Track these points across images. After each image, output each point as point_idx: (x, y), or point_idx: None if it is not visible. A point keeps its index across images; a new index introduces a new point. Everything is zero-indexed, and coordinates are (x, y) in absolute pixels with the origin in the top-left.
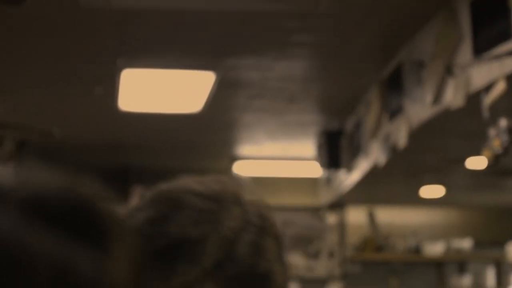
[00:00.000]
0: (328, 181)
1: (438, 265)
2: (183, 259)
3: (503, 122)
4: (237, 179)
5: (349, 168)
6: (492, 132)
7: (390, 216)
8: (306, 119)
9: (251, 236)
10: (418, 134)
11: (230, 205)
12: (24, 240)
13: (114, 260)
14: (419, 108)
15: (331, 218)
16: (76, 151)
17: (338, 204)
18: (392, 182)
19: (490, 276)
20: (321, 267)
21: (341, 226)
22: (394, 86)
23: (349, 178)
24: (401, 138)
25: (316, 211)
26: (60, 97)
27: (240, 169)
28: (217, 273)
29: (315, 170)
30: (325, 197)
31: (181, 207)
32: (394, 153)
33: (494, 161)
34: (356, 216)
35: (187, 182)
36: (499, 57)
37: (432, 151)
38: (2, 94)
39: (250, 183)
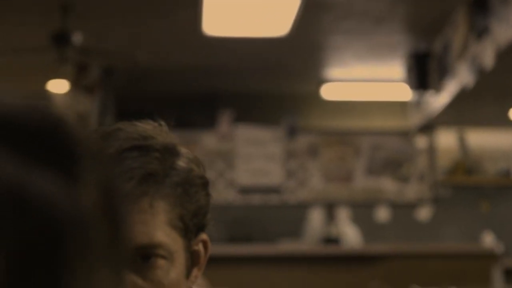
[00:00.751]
0: (417, 103)
1: None
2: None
3: None
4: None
5: (438, 90)
6: None
7: (481, 139)
8: (394, 40)
9: (187, 158)
10: (505, 55)
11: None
12: None
13: (80, 185)
14: (506, 28)
15: (421, 142)
16: (162, 78)
17: (428, 127)
18: (481, 104)
19: None
20: (411, 191)
21: (431, 150)
22: (481, 6)
23: (438, 100)
24: (488, 59)
25: (405, 134)
26: (144, 23)
27: (328, 92)
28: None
29: (404, 92)
30: (414, 120)
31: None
32: (481, 74)
33: None
34: (446, 139)
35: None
36: None
37: None
38: (87, 21)
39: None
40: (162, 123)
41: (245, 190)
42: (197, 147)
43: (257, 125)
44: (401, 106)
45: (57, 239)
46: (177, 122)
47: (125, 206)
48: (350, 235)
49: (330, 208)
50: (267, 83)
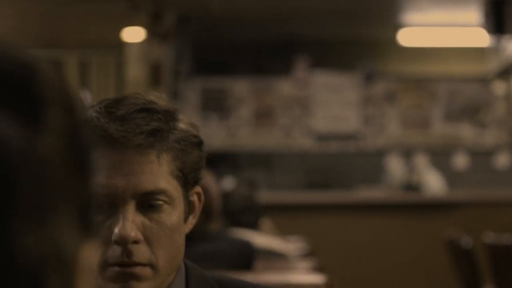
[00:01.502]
0: (495, 49)
1: None
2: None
3: None
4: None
5: None
6: None
7: None
8: None
9: (185, 121)
10: None
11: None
12: None
13: (42, 130)
14: None
15: (499, 87)
16: (238, 25)
17: (506, 72)
18: None
19: None
20: (489, 137)
21: (509, 95)
22: None
23: None
24: None
25: (483, 80)
26: None
27: (405, 37)
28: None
29: (482, 38)
30: (492, 65)
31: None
32: None
33: None
34: None
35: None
36: None
37: None
38: None
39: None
40: (163, 94)
41: (322, 137)
42: (273, 94)
43: (333, 71)
44: (478, 52)
45: (8, 181)
46: (253, 69)
47: (93, 156)
48: (432, 182)
49: (408, 155)
50: (344, 28)
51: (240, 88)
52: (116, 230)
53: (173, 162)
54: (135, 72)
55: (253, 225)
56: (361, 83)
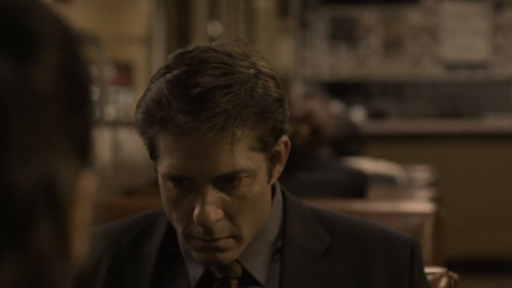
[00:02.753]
0: None
1: None
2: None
3: None
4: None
5: None
6: None
7: None
8: None
9: (265, 75)
10: None
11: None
12: None
13: (35, 66)
14: None
15: None
16: None
17: None
18: None
19: None
20: None
21: None
22: None
23: None
24: None
25: None
26: None
27: None
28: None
29: None
30: None
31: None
32: None
33: None
34: None
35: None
36: None
37: None
38: None
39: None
40: (243, 37)
41: (451, 66)
42: (402, 23)
43: None
44: None
45: (1, 114)
46: None
47: (90, 92)
48: None
49: None
50: None
51: (369, 17)
52: (196, 212)
53: (251, 136)
54: (264, 2)
55: (358, 154)
56: (490, 12)
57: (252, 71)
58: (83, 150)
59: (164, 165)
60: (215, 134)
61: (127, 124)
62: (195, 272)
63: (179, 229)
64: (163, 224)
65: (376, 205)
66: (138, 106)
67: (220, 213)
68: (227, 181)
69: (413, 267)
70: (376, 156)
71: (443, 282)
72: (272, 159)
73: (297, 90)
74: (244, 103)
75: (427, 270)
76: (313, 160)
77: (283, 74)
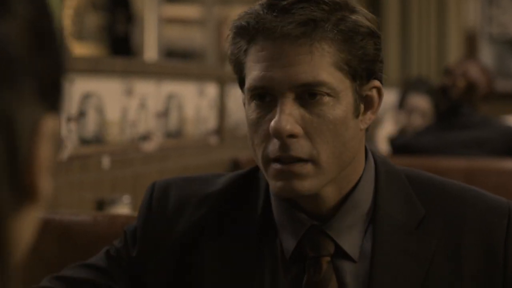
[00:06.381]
0: None
1: None
2: None
3: None
4: None
5: None
6: None
7: None
8: None
9: (361, 14)
10: None
11: None
12: None
13: (6, 18)
14: None
15: None
16: None
17: None
18: None
19: None
20: None
21: None
22: None
23: None
24: None
25: None
26: None
27: None
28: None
29: None
30: None
31: None
32: None
33: None
34: None
35: None
36: None
37: None
38: None
39: None
40: None
41: None
42: None
43: None
44: None
45: None
46: None
47: (56, 40)
48: None
49: None
50: None
51: None
52: (272, 122)
53: (337, 54)
54: None
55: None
56: None
57: (345, 1)
58: (48, 94)
59: (248, 81)
60: (296, 40)
61: None
62: (287, 243)
63: (258, 155)
64: (261, 189)
65: None
66: (230, 28)
67: (297, 128)
68: (309, 96)
69: (508, 240)
70: None
71: None
72: (364, 102)
73: (484, 49)
74: (334, 21)
75: None
76: (469, 117)
77: (470, 32)
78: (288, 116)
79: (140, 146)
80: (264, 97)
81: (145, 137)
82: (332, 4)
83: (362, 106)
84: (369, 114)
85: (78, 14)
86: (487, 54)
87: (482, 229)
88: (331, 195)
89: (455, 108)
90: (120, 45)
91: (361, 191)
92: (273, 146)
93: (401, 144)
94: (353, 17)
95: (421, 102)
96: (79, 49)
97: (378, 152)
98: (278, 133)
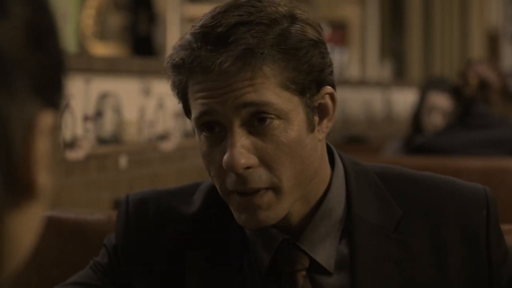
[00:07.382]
0: None
1: None
2: None
3: None
4: None
5: None
6: None
7: None
8: None
9: (301, 21)
10: None
11: None
12: None
13: (3, 19)
14: None
15: None
16: None
17: None
18: None
19: None
20: None
21: None
22: None
23: None
24: None
25: None
26: None
27: None
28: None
29: None
30: None
31: None
32: None
33: None
34: None
35: None
36: None
37: None
38: None
39: None
40: None
41: None
42: None
43: None
44: None
45: None
46: None
47: (55, 38)
48: None
49: None
50: None
51: None
52: (225, 157)
53: (281, 74)
54: None
55: None
56: None
57: (283, 12)
58: (45, 91)
59: (193, 112)
60: (234, 66)
61: (343, 83)
62: (262, 258)
63: (217, 186)
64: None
65: None
66: (166, 62)
67: (252, 159)
68: (258, 122)
69: (489, 231)
70: None
71: None
72: (316, 111)
73: (506, 48)
74: (272, 41)
75: None
76: (487, 117)
77: (492, 32)
78: (240, 149)
79: (158, 146)
80: (213, 128)
81: (163, 137)
82: (269, 20)
83: (316, 118)
84: (325, 122)
85: (100, 14)
86: (509, 53)
87: (462, 223)
88: (299, 209)
89: (469, 107)
90: (142, 45)
91: (331, 199)
92: (230, 179)
93: (418, 145)
94: (293, 29)
95: (441, 100)
96: (101, 49)
97: (344, 153)
98: (232, 169)
